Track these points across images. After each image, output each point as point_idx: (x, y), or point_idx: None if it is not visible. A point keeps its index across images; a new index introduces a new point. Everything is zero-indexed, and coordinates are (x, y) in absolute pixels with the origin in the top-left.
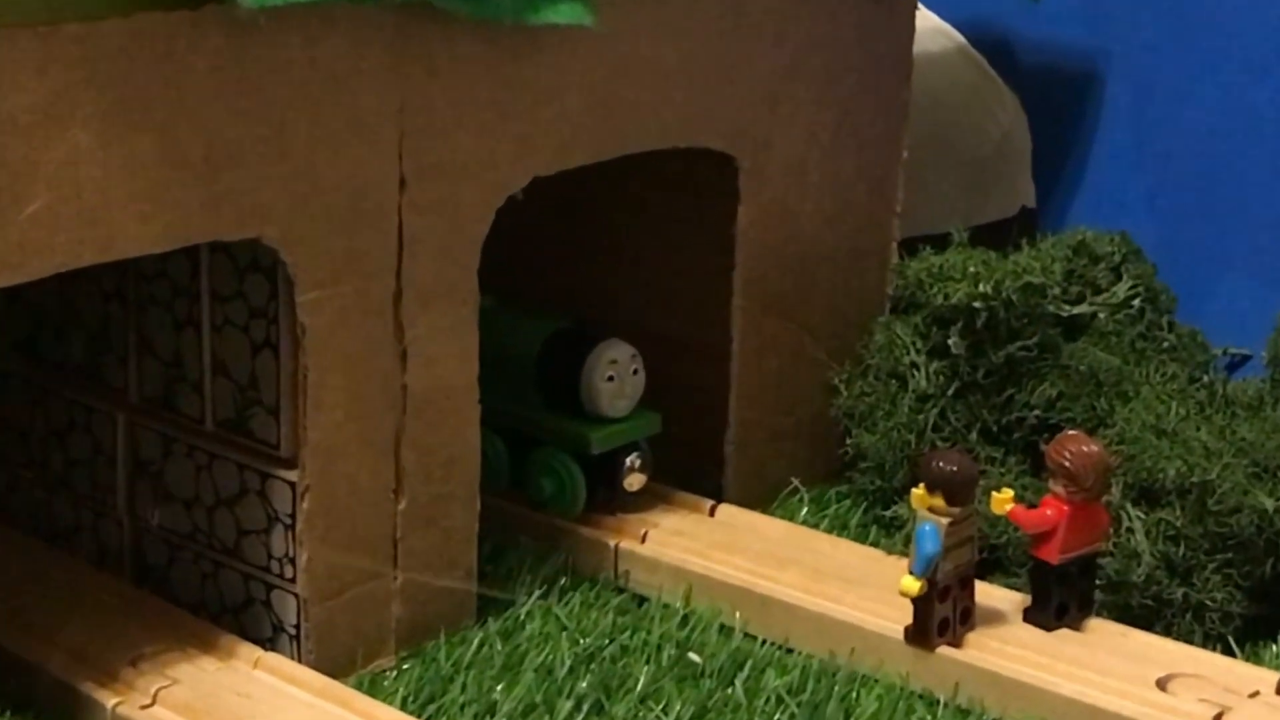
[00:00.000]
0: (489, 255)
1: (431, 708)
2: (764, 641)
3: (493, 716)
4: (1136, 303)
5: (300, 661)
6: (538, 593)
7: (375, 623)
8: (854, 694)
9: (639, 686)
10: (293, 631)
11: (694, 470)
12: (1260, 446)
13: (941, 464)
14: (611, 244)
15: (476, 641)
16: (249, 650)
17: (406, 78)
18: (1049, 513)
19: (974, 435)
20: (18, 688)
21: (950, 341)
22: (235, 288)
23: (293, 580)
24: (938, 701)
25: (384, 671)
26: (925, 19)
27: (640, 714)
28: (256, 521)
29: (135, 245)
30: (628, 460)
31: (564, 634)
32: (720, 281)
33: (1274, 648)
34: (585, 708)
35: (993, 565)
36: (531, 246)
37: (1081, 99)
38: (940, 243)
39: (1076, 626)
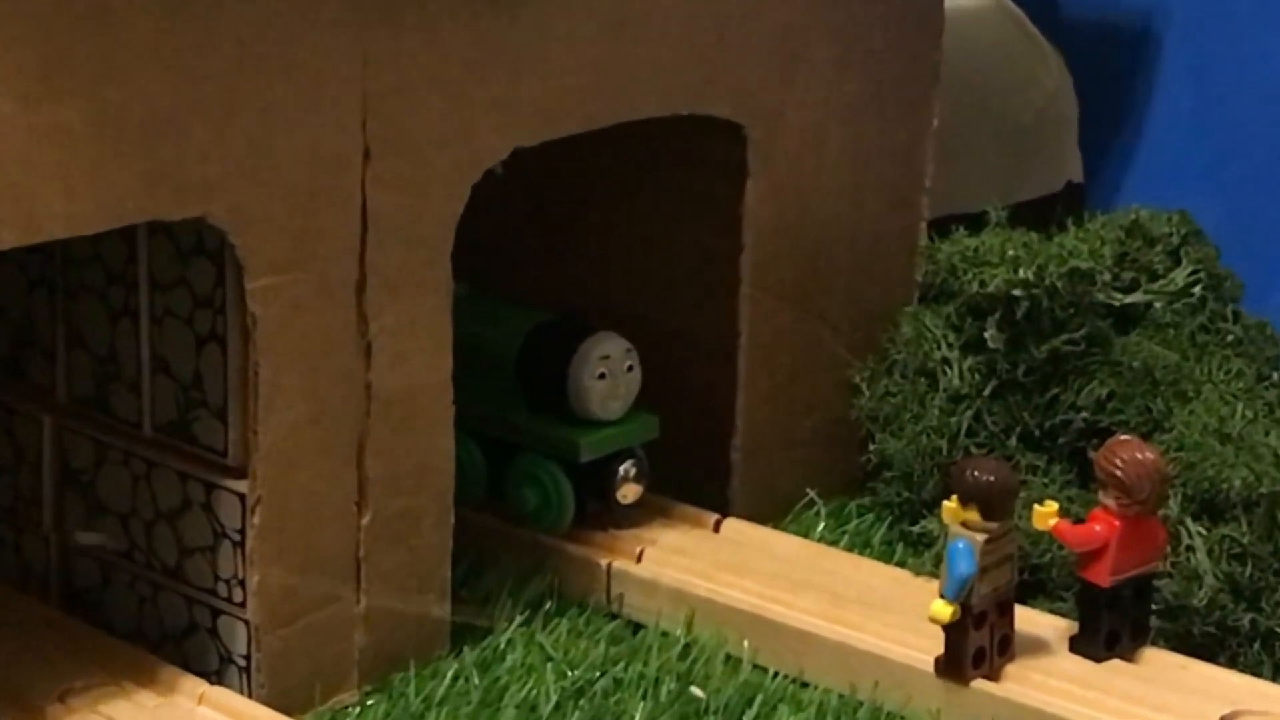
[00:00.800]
0: (464, 237)
1: None
2: (776, 674)
3: None
4: (1197, 290)
5: (251, 696)
6: (520, 618)
7: (336, 653)
8: None
9: None
10: (242, 662)
11: (696, 480)
12: None
13: (977, 473)
14: (604, 225)
15: (450, 674)
16: (193, 684)
17: (370, 34)
18: (1098, 528)
19: (1013, 440)
20: None
21: (987, 334)
22: (177, 274)
23: (242, 604)
24: None
25: (346, 708)
26: None
27: None
28: (201, 538)
29: (63, 225)
30: (621, 469)
31: (549, 665)
32: (726, 267)
33: None
34: None
35: (1035, 588)
36: (513, 227)
37: (1134, 58)
38: (976, 223)
39: (1129, 657)
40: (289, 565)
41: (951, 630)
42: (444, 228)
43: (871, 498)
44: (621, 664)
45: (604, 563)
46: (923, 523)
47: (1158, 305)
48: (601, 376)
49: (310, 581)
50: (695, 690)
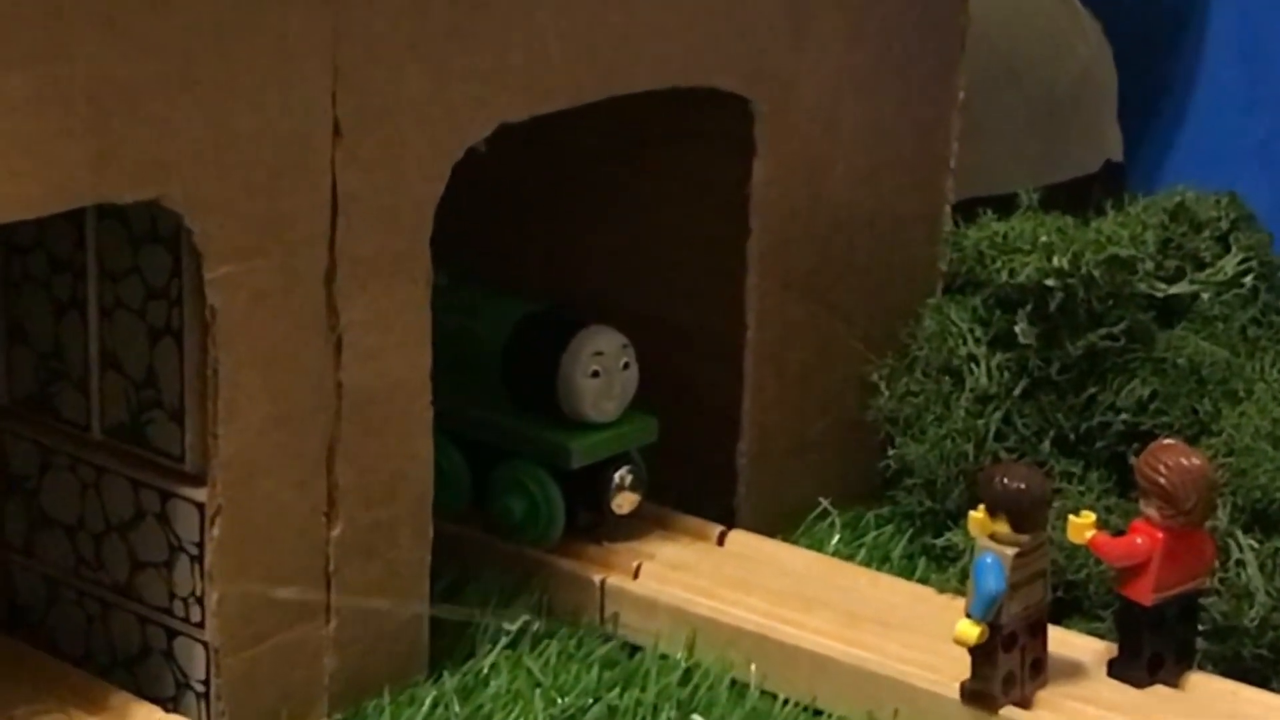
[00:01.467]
0: (445, 222)
1: None
2: (786, 701)
3: None
4: (1248, 280)
5: None
6: (505, 640)
7: (303, 677)
8: None
9: None
10: (201, 688)
11: (699, 488)
12: None
13: (1006, 481)
14: (597, 209)
15: (429, 701)
16: (147, 711)
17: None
18: (1140, 541)
19: (1046, 445)
20: None
21: (1018, 329)
22: (129, 262)
23: (200, 625)
24: None
25: None
26: None
27: None
28: (155, 552)
29: (5, 208)
30: (616, 476)
31: (537, 692)
32: (731, 254)
33: None
34: None
35: (1070, 606)
36: (498, 211)
37: (1178, 26)
38: (1005, 205)
39: (1174, 682)
40: (252, 582)
41: (979, 653)
42: (422, 211)
43: (891, 507)
44: (616, 690)
45: (597, 579)
46: (947, 535)
47: (1205, 296)
48: (595, 374)
49: (275, 600)
50: (698, 719)
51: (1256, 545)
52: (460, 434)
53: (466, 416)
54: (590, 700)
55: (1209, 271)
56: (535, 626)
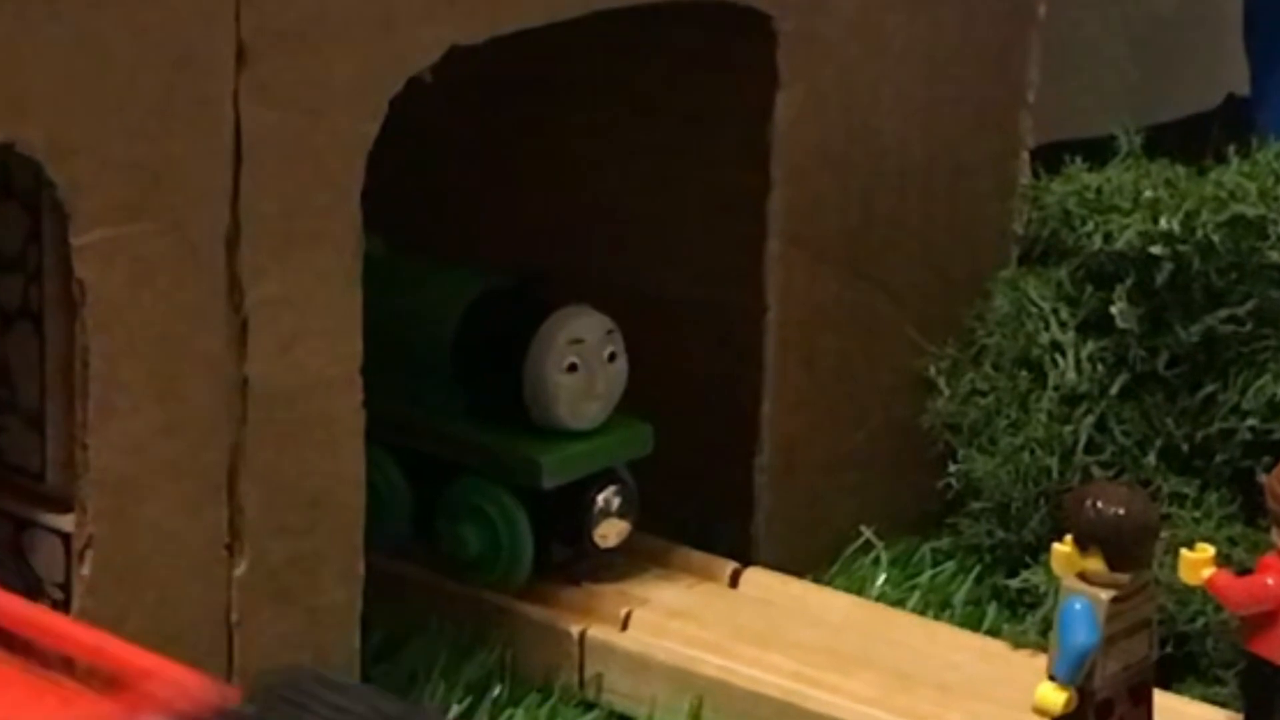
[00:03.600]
0: (380, 174)
1: None
2: None
3: None
4: None
5: None
6: (458, 707)
7: None
8: None
9: None
10: None
11: (707, 514)
12: None
13: (1100, 505)
14: (578, 157)
15: None
16: None
17: None
18: (1271, 582)
19: (1152, 458)
20: None
21: (1115, 309)
22: None
23: None
24: None
25: None
26: None
27: None
28: None
29: None
30: (600, 498)
31: None
32: (748, 213)
33: None
34: None
35: (1183, 665)
36: (449, 160)
37: None
38: (1099, 151)
39: None
40: (132, 633)
41: None
42: (350, 159)
43: (952, 539)
44: None
45: (575, 630)
46: (1024, 574)
47: None
48: (572, 368)
49: (163, 655)
50: None
51: None
52: (400, 445)
53: (408, 423)
54: None
55: None
56: (496, 692)
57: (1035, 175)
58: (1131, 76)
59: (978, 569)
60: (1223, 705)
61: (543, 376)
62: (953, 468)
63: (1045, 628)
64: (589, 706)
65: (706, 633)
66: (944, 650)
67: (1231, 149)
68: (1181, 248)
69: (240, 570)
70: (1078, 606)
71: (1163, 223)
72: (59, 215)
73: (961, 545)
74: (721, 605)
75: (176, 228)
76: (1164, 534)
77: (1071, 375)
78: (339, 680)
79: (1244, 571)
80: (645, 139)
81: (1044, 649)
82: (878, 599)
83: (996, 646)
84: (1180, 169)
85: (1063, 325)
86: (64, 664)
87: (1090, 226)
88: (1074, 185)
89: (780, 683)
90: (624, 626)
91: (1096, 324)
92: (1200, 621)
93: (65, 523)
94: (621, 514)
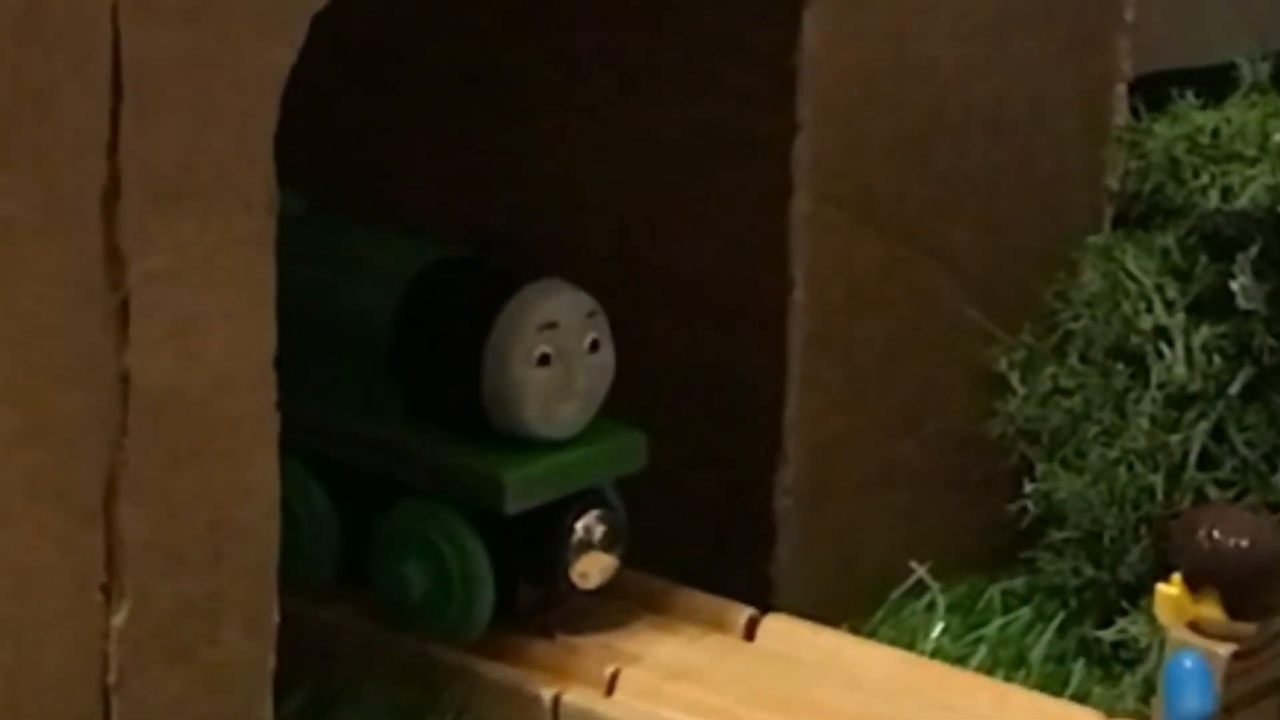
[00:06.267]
0: (300, 114)
1: None
2: None
3: None
4: None
5: None
6: None
7: None
8: None
9: None
10: None
11: (715, 545)
12: None
13: (1218, 535)
14: (557, 96)
15: None
16: None
17: None
18: None
19: None
20: None
21: (1236, 285)
22: None
23: None
24: None
25: None
26: None
27: None
28: None
29: None
30: (580, 526)
31: None
32: (769, 163)
33: None
34: None
35: None
36: (389, 97)
37: None
38: (1214, 84)
39: None
40: None
41: None
42: (262, 93)
43: (1028, 578)
44: None
45: (548, 694)
46: (1121, 622)
47: None
48: (544, 360)
49: None
50: None
51: None
52: (325, 458)
53: (334, 430)
54: None
55: None
56: None
57: (1135, 115)
58: None
59: (1060, 616)
60: None
61: (507, 371)
62: (1029, 487)
63: (1148, 691)
64: None
65: (714, 698)
66: (1018, 718)
67: None
68: None
69: (120, 618)
70: (1189, 664)
71: None
72: None
73: (1040, 586)
74: (733, 663)
75: (39, 183)
76: None
77: (1181, 369)
78: None
79: None
80: (640, 74)
81: (1146, 717)
82: (933, 655)
83: (1085, 715)
84: None
85: (1169, 306)
86: None
87: (1205, 180)
88: (1184, 127)
89: None
90: (609, 690)
91: (1213, 304)
92: None
93: None
94: (606, 546)
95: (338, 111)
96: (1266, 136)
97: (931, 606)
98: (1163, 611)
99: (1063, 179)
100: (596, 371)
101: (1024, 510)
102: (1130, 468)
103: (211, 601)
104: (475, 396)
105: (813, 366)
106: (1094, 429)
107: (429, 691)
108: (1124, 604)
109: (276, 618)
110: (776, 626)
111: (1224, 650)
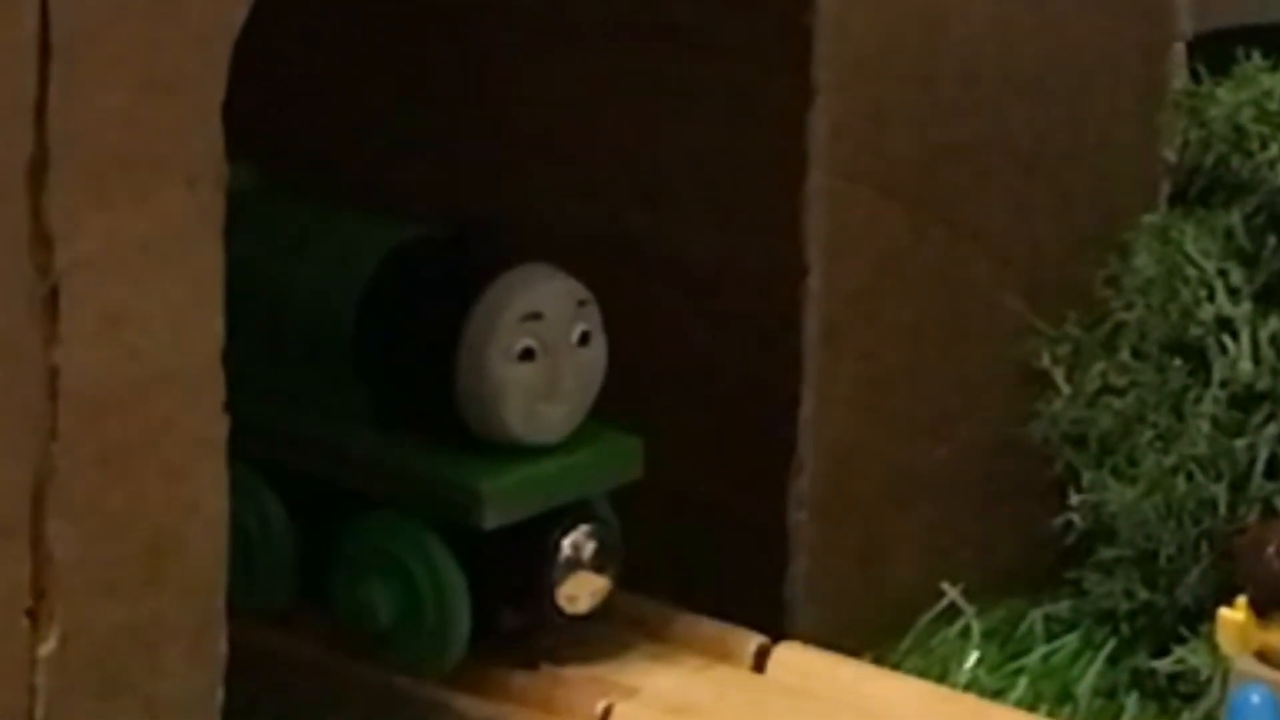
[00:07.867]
0: (255, 79)
1: None
2: None
3: None
4: None
5: None
6: None
7: None
8: None
9: None
10: None
11: (722, 565)
12: None
13: None
14: (539, 56)
15: None
16: None
17: None
18: None
19: None
20: None
21: None
22: None
23: None
24: None
25: None
26: None
27: None
28: None
29: None
30: (567, 544)
31: None
32: (782, 134)
33: None
34: None
35: None
36: (353, 60)
37: None
38: None
39: None
40: None
41: None
42: (209, 55)
43: (1074, 601)
44: None
45: None
46: (1178, 651)
47: None
48: (527, 355)
49: None
50: None
51: None
52: (280, 466)
53: (291, 434)
54: None
55: None
56: None
57: (1195, 78)
58: None
59: (1111, 645)
60: None
61: (484, 368)
62: (1075, 499)
63: None
64: None
65: None
66: None
67: None
68: None
69: (49, 646)
70: (1255, 699)
71: None
72: None
73: (1088, 611)
74: (742, 696)
75: None
76: None
77: (1246, 365)
78: None
79: None
80: (635, 29)
81: None
82: (966, 687)
83: None
84: None
85: (1233, 294)
86: None
87: (1274, 151)
88: (1250, 92)
89: None
90: None
91: None
92: None
93: None
94: (597, 566)
95: (294, 76)
96: None
97: (965, 633)
98: (1226, 639)
99: (1113, 150)
100: (586, 368)
101: (1069, 525)
102: (1189, 477)
103: (152, 628)
104: (449, 397)
105: (830, 363)
106: (1148, 433)
107: None
108: (1182, 631)
109: (225, 646)
110: (789, 656)
111: None
